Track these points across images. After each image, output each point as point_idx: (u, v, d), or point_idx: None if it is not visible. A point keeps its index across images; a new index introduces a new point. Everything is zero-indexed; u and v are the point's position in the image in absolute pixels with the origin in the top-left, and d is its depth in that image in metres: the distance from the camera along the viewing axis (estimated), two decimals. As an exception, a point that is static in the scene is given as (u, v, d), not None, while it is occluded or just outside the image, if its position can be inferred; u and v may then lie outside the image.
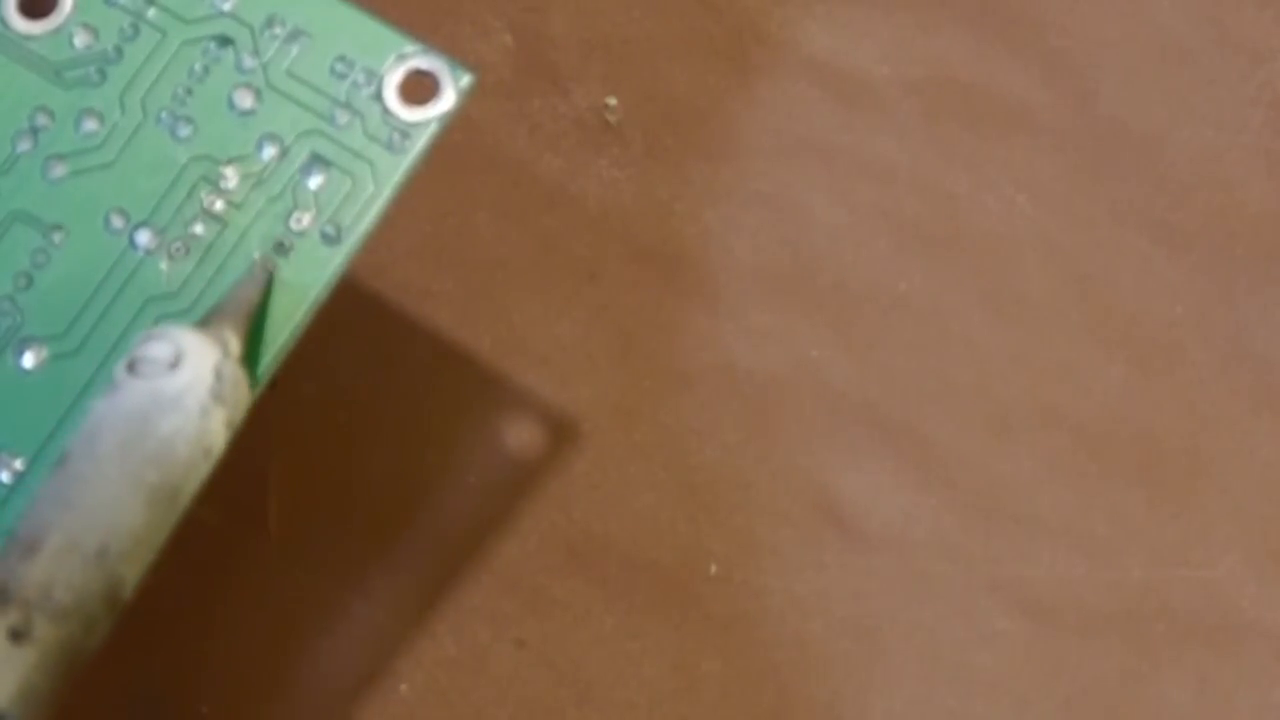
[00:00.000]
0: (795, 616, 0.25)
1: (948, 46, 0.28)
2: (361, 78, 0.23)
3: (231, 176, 0.23)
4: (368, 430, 0.25)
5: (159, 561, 0.20)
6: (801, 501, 0.25)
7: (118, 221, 0.22)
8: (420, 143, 0.22)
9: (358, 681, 0.25)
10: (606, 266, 0.26)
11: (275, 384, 0.22)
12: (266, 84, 0.23)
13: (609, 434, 0.26)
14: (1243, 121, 0.27)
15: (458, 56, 0.23)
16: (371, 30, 0.23)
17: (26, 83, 0.23)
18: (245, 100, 0.23)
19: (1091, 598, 0.25)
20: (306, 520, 0.25)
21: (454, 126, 0.22)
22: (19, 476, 0.22)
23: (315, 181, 0.22)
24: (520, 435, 0.26)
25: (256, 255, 0.22)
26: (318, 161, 0.22)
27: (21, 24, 0.23)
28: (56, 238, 0.23)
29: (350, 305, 0.25)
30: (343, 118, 0.23)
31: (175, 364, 0.20)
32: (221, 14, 0.23)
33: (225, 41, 0.23)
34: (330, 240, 0.22)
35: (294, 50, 0.23)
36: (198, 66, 0.23)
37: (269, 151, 0.23)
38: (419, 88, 0.22)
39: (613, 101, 0.27)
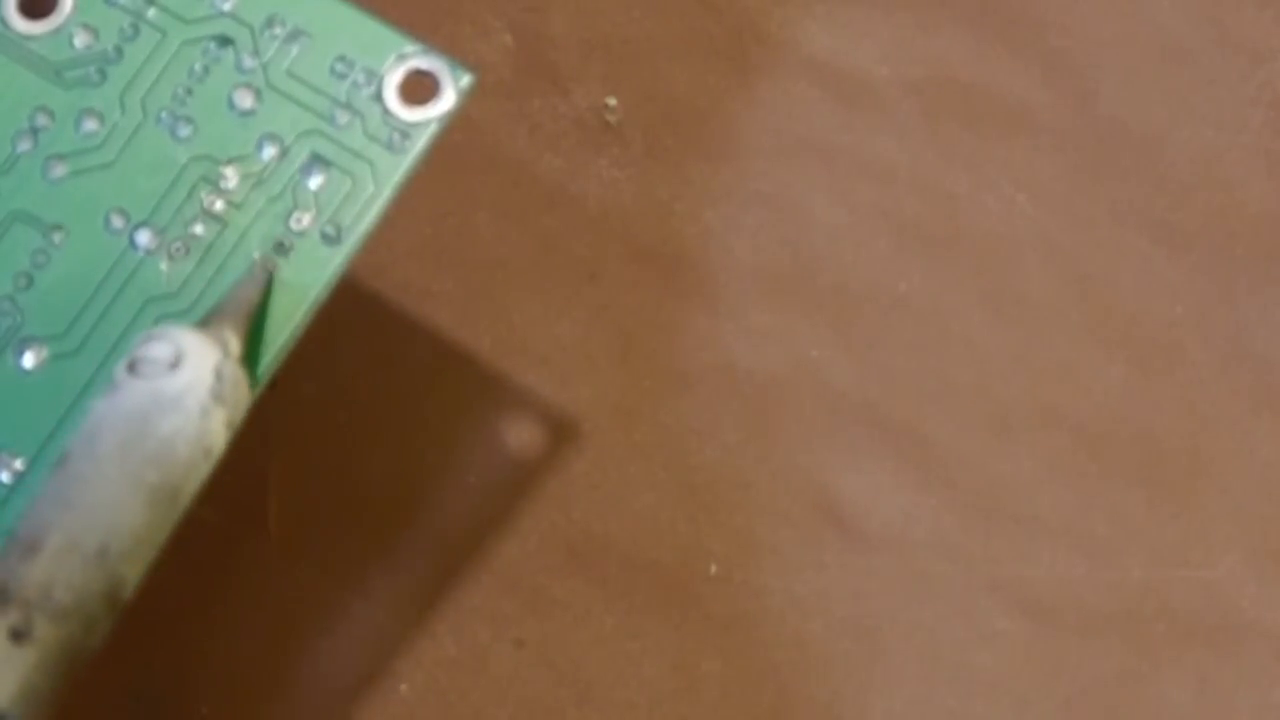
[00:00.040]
0: (795, 616, 0.25)
1: (948, 46, 0.28)
2: (361, 78, 0.23)
3: (231, 176, 0.23)
4: (368, 430, 0.25)
5: (159, 561, 0.20)
6: (801, 501, 0.25)
7: (118, 221, 0.22)
8: (420, 143, 0.22)
9: (358, 681, 0.25)
10: (606, 266, 0.26)
11: (275, 384, 0.22)
12: (266, 84, 0.23)
13: (609, 434, 0.26)
14: (1243, 121, 0.27)
15: (458, 56, 0.23)
16: (371, 30, 0.23)
17: (26, 83, 0.23)
18: (245, 100, 0.23)
19: (1091, 598, 0.25)
20: (306, 520, 0.25)
21: (454, 126, 0.22)
22: (19, 476, 0.22)
23: (315, 181, 0.22)
24: (520, 435, 0.26)
25: (256, 255, 0.22)
26: (318, 161, 0.22)
27: (21, 24, 0.23)
28: (56, 238, 0.23)
29: (350, 305, 0.25)
30: (343, 118, 0.23)
31: (175, 364, 0.20)
32: (221, 14, 0.23)
33: (225, 41, 0.23)
34: (330, 240, 0.22)
35: (294, 50, 0.23)
36: (198, 66, 0.23)
37: (269, 151, 0.23)
38: (419, 88, 0.22)
39: (613, 101, 0.27)
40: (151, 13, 0.23)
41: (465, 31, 0.27)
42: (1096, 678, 0.25)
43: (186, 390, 0.20)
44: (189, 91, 0.23)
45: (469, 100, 0.22)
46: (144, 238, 0.22)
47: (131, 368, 0.20)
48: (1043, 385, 0.26)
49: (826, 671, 0.25)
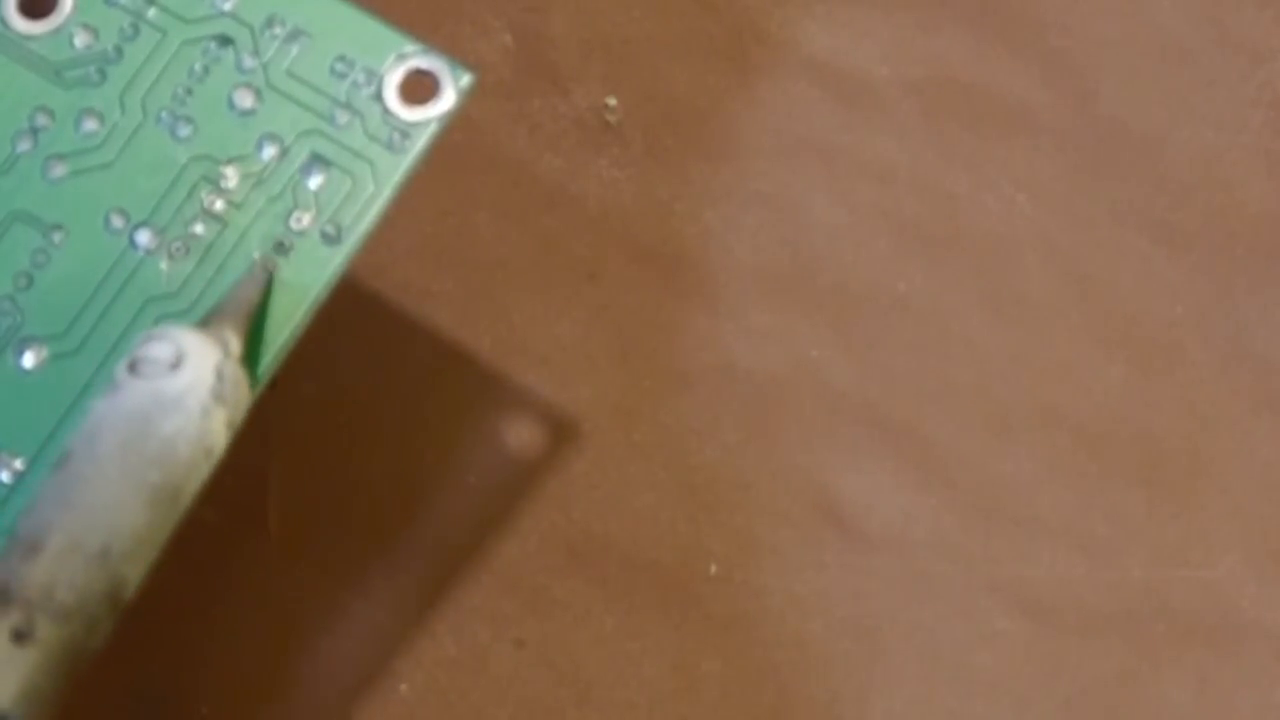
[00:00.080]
0: (795, 616, 0.25)
1: (948, 46, 0.28)
2: (361, 77, 0.23)
3: (231, 176, 0.23)
4: (368, 430, 0.25)
5: (160, 561, 0.20)
6: (801, 501, 0.25)
7: (118, 221, 0.22)
8: (420, 142, 0.22)
9: (358, 681, 0.25)
10: (606, 266, 0.26)
11: (275, 384, 0.22)
12: (266, 84, 0.23)
13: (609, 434, 0.26)
14: (1243, 121, 0.27)
15: (458, 56, 0.23)
16: (371, 30, 0.23)
17: (26, 83, 0.23)
18: (245, 100, 0.23)
19: (1091, 598, 0.25)
20: (306, 520, 0.25)
21: (454, 126, 0.22)
22: (19, 476, 0.22)
23: (315, 181, 0.22)
24: (520, 435, 0.26)
25: (257, 255, 0.22)
26: (318, 161, 0.22)
27: (21, 24, 0.23)
28: (56, 238, 0.23)
29: (350, 305, 0.25)
30: (343, 117, 0.23)
31: (176, 364, 0.20)
32: (222, 14, 0.23)
33: (225, 41, 0.23)
34: (330, 240, 0.22)
35: (294, 50, 0.23)
36: (198, 66, 0.23)
37: (269, 151, 0.23)
38: (419, 87, 0.22)
39: (613, 101, 0.27)
40: (151, 12, 0.23)
41: (465, 31, 0.27)
42: (1096, 678, 0.25)
43: (188, 390, 0.20)
44: (189, 91, 0.23)
45: (469, 100, 0.22)
46: (144, 237, 0.22)
47: (132, 368, 0.20)
48: (1043, 385, 0.26)
49: (826, 671, 0.25)
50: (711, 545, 0.25)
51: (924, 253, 0.27)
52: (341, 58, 0.23)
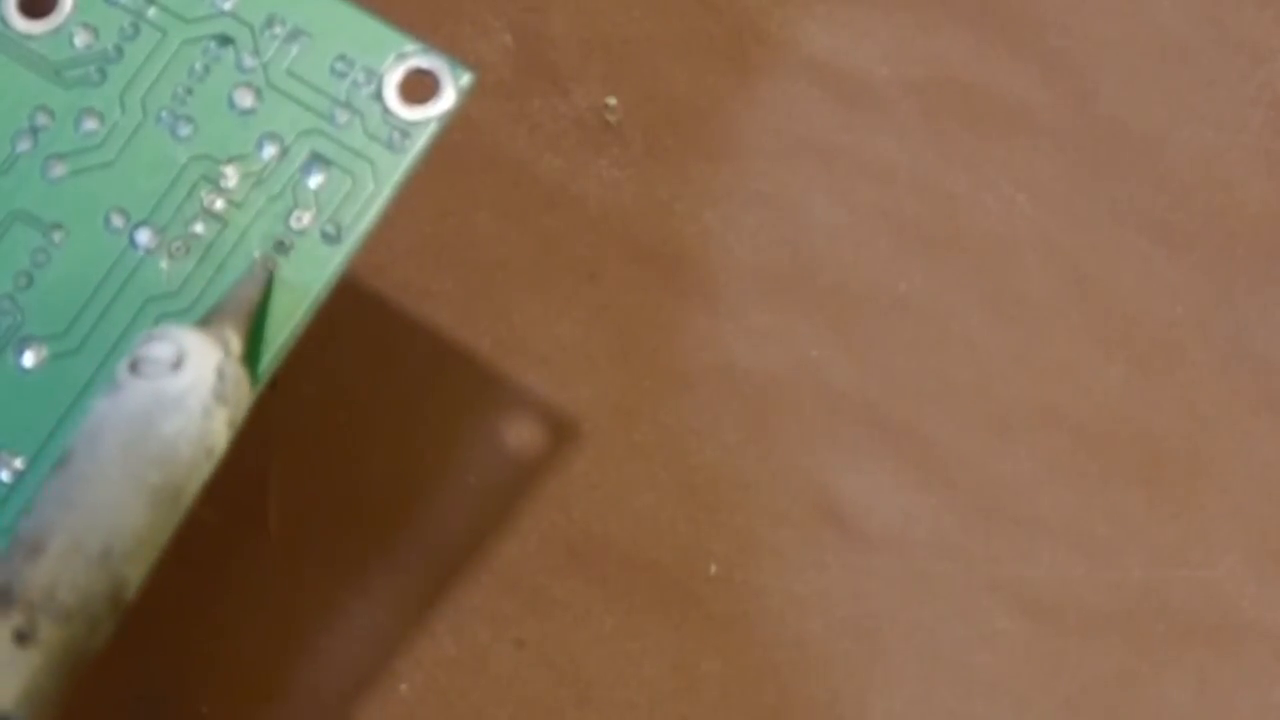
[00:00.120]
0: (795, 616, 0.25)
1: (948, 46, 0.28)
2: (361, 77, 0.23)
3: (232, 176, 0.23)
4: (368, 430, 0.25)
5: (160, 561, 0.20)
6: (801, 501, 0.25)
7: (118, 221, 0.22)
8: (420, 142, 0.22)
9: (358, 681, 0.25)
10: (606, 266, 0.26)
11: (275, 384, 0.22)
12: (266, 83, 0.23)
13: (609, 434, 0.26)
14: (1243, 121, 0.27)
15: (458, 56, 0.23)
16: (371, 29, 0.23)
17: (26, 82, 0.23)
18: (245, 99, 0.23)
19: (1091, 598, 0.25)
20: (306, 520, 0.25)
21: (454, 126, 0.22)
22: (19, 476, 0.22)
23: (315, 180, 0.22)
24: (520, 435, 0.26)
25: (257, 254, 0.22)
26: (318, 160, 0.22)
27: (21, 24, 0.23)
28: (56, 237, 0.23)
29: (350, 305, 0.25)
30: (343, 117, 0.23)
31: (178, 365, 0.20)
32: (222, 13, 0.23)
33: (225, 41, 0.23)
34: (330, 239, 0.22)
35: (294, 49, 0.23)
36: (198, 66, 0.23)
37: (269, 151, 0.23)
38: (419, 87, 0.22)
39: (613, 101, 0.27)
40: (151, 12, 0.23)
41: (465, 31, 0.27)
42: (1096, 678, 0.25)
43: (189, 390, 0.20)
44: (189, 91, 0.23)
45: (469, 100, 0.22)
46: (144, 237, 0.22)
47: (134, 368, 0.20)
48: (1043, 385, 0.26)
49: (826, 671, 0.25)
50: (711, 545, 0.25)
51: (924, 253, 0.27)
52: (341, 57, 0.23)
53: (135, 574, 0.20)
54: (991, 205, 0.27)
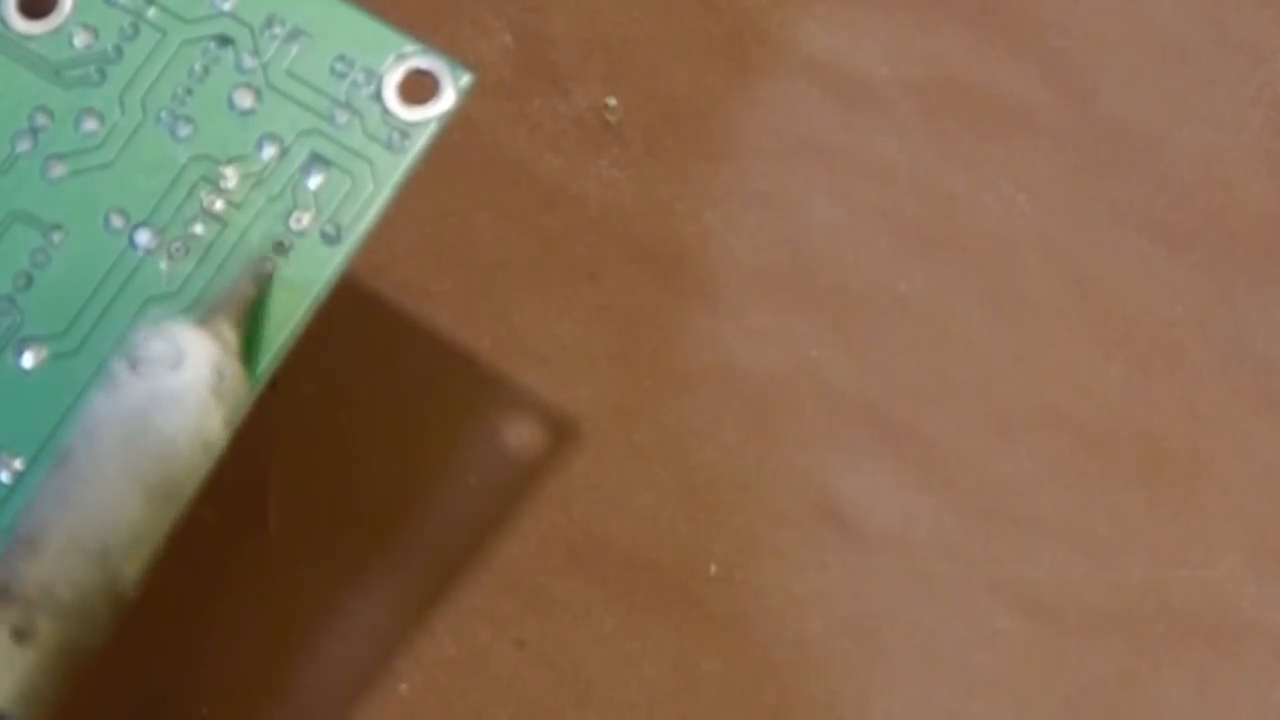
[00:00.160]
0: (795, 616, 0.25)
1: (948, 46, 0.28)
2: (361, 77, 0.23)
3: (231, 176, 0.23)
4: (368, 430, 0.25)
5: (159, 560, 0.20)
6: (801, 501, 0.25)
7: (117, 221, 0.22)
8: (420, 142, 0.22)
9: (358, 681, 0.25)
10: (606, 266, 0.26)
11: (275, 384, 0.22)
12: (266, 84, 0.23)
13: (609, 434, 0.26)
14: (1243, 121, 0.27)
15: (458, 56, 0.23)
16: (371, 30, 0.23)
17: (26, 83, 0.23)
18: (245, 100, 0.23)
19: (1091, 598, 0.25)
20: (306, 520, 0.25)
21: (454, 126, 0.22)
22: (19, 476, 0.22)
23: (315, 181, 0.22)
24: (520, 435, 0.26)
25: (254, 251, 0.22)
26: (317, 161, 0.22)
27: (21, 24, 0.23)
28: (56, 237, 0.23)
29: (350, 305, 0.25)
30: (342, 117, 0.23)
31: (176, 363, 0.20)
32: (221, 14, 0.23)
33: (225, 41, 0.23)
34: (330, 240, 0.22)
35: (294, 50, 0.23)
36: (198, 66, 0.23)
37: (269, 151, 0.23)
38: (419, 87, 0.22)
39: (613, 101, 0.27)
40: (151, 12, 0.23)
41: (465, 31, 0.27)
42: (1096, 678, 0.25)
43: (187, 388, 0.20)
44: (189, 91, 0.23)
45: (469, 100, 0.22)
46: (144, 237, 0.22)
47: (132, 365, 0.20)
48: (1043, 385, 0.26)
49: (826, 671, 0.25)
50: (711, 545, 0.25)
51: (924, 253, 0.27)
52: (341, 57, 0.23)
53: (133, 571, 0.20)
54: (991, 205, 0.27)
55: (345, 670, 0.25)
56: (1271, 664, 0.25)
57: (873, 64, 0.27)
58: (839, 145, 0.27)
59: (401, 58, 0.23)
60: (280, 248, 0.22)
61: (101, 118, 0.23)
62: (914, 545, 0.25)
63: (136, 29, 0.23)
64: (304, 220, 0.22)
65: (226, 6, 0.23)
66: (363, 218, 0.22)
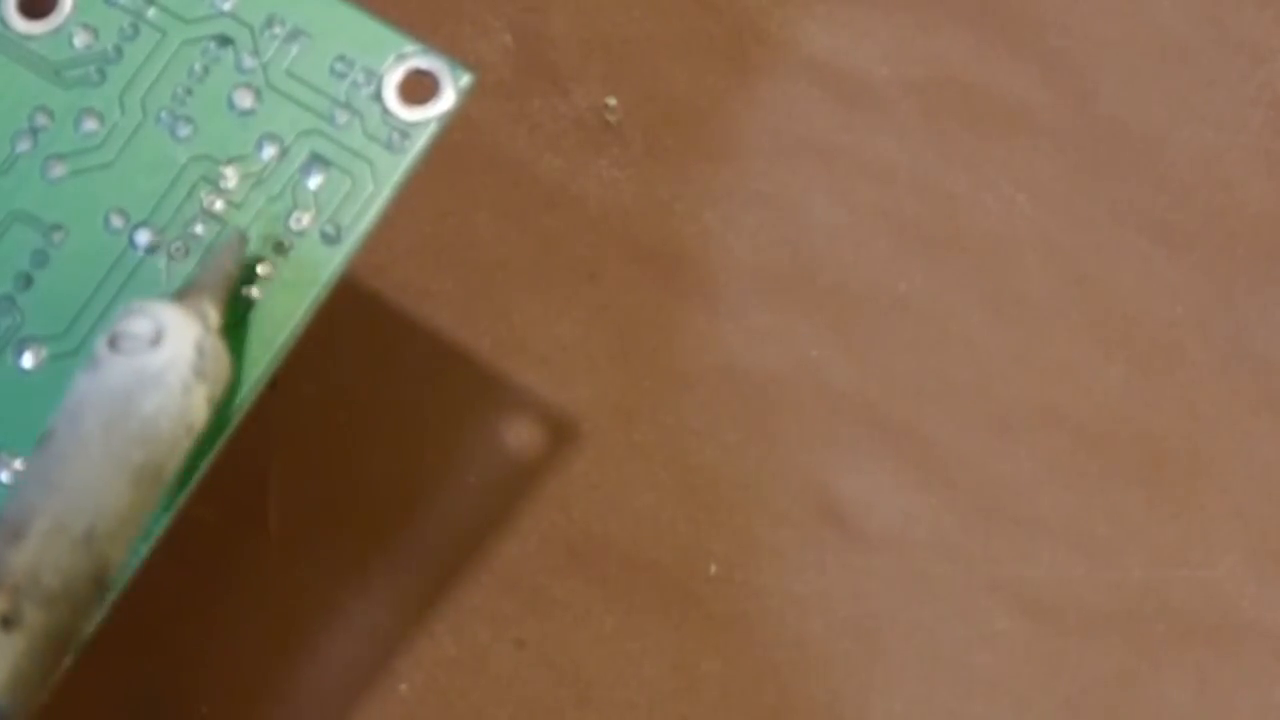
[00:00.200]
0: (795, 616, 0.25)
1: (948, 46, 0.28)
2: (361, 77, 0.23)
3: (231, 176, 0.23)
4: (368, 430, 0.25)
5: (158, 560, 0.20)
6: (801, 501, 0.25)
7: (117, 221, 0.22)
8: (420, 142, 0.22)
9: (358, 681, 0.25)
10: (606, 266, 0.26)
11: (275, 384, 0.22)
12: (266, 84, 0.23)
13: (609, 434, 0.26)
14: (1243, 121, 0.27)
15: (458, 56, 0.23)
16: (371, 30, 0.23)
17: (26, 83, 0.23)
18: (245, 100, 0.23)
19: (1091, 598, 0.25)
20: (306, 520, 0.25)
21: (454, 126, 0.22)
22: (19, 476, 0.22)
23: (315, 181, 0.22)
24: (520, 435, 0.26)
25: (232, 226, 0.22)
26: (317, 161, 0.22)
27: (21, 24, 0.23)
28: (56, 238, 0.23)
29: (350, 305, 0.25)
30: (342, 117, 0.23)
31: (156, 340, 0.20)
32: (221, 14, 0.23)
33: (225, 41, 0.23)
34: (330, 240, 0.22)
35: (294, 50, 0.23)
36: (198, 66, 0.23)
37: (269, 151, 0.23)
38: (419, 87, 0.23)
39: (613, 101, 0.27)
40: (151, 12, 0.23)
41: (465, 31, 0.27)
42: (1096, 678, 0.25)
43: (168, 367, 0.20)
44: (189, 91, 0.23)
45: (469, 100, 0.22)
46: (144, 237, 0.22)
47: (112, 344, 0.20)
48: (1043, 385, 0.26)
49: (826, 671, 0.25)
50: (711, 545, 0.25)
51: (924, 253, 0.27)
52: (341, 58, 0.23)
53: (118, 554, 0.19)
54: (991, 205, 0.27)
55: (345, 670, 0.25)
56: (1271, 664, 0.25)
57: (873, 64, 0.27)
58: (839, 145, 0.27)
59: (401, 58, 0.23)
60: (280, 248, 0.22)
61: (101, 118, 0.23)
62: (914, 545, 0.25)
63: (136, 29, 0.23)
64: (304, 220, 0.22)
65: (226, 6, 0.23)
66: (363, 218, 0.22)
